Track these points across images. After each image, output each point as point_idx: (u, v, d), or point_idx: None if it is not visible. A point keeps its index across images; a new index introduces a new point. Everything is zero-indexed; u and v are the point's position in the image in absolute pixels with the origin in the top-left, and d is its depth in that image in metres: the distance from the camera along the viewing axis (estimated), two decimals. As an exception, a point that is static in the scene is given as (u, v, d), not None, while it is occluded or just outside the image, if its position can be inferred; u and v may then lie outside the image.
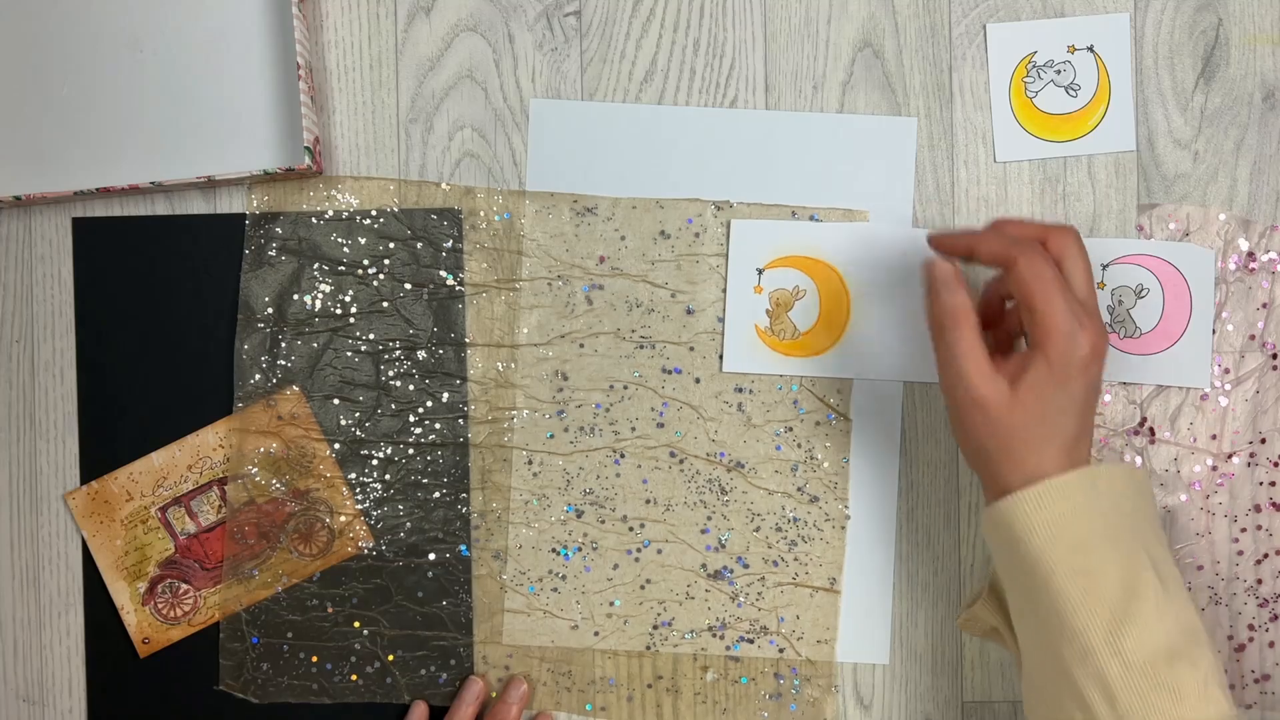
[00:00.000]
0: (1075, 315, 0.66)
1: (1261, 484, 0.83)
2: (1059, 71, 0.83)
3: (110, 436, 0.85)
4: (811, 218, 0.84)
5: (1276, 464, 0.83)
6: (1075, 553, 0.64)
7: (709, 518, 0.84)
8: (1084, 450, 0.69)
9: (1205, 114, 0.83)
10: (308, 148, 0.80)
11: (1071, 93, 0.83)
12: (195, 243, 0.85)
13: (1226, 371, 0.83)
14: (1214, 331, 0.82)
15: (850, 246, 0.83)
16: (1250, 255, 0.82)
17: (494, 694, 0.84)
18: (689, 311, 0.84)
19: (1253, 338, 0.82)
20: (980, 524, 0.83)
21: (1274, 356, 0.82)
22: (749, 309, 0.83)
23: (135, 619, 0.84)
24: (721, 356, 0.83)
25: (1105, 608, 0.63)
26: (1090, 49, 0.83)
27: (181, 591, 0.84)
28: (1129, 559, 0.64)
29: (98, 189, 0.81)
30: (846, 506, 0.84)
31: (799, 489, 0.84)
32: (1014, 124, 0.83)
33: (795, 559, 0.84)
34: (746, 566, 0.84)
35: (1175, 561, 0.67)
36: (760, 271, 0.83)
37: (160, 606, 0.84)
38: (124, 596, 0.84)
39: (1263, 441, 0.83)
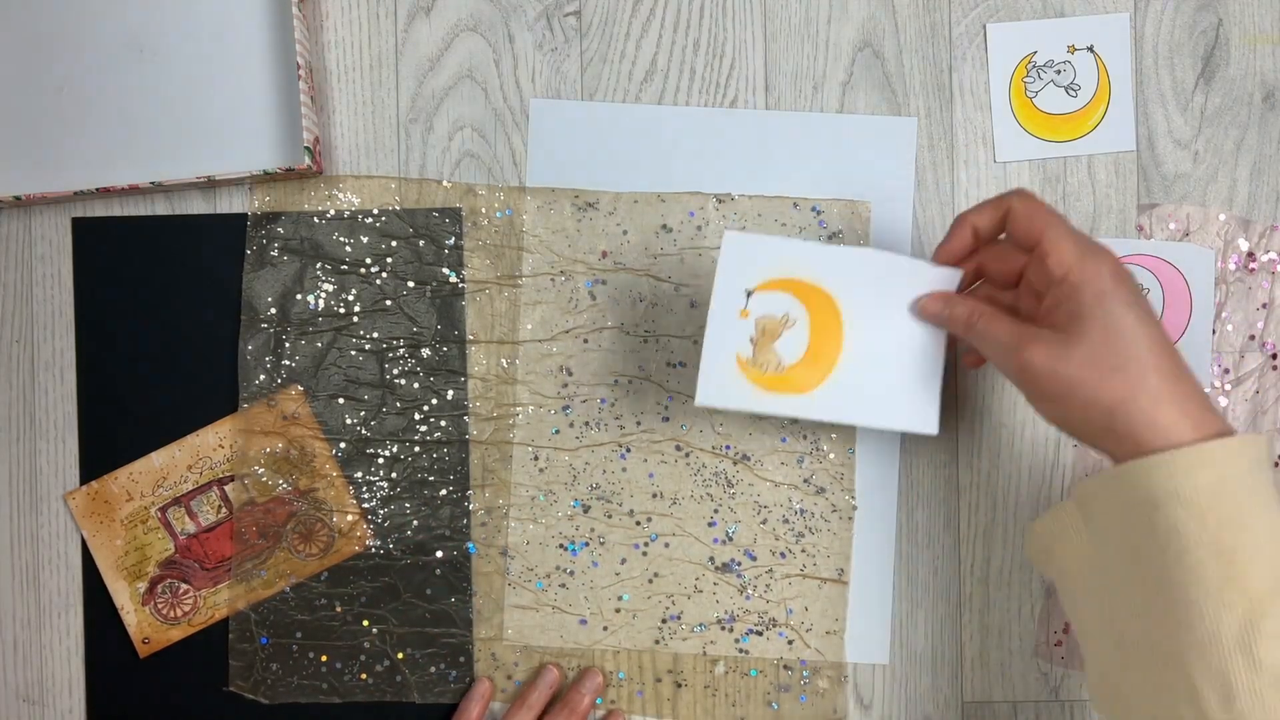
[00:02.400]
0: (1082, 241, 0.64)
1: (1261, 483, 0.83)
2: (1059, 71, 0.83)
3: (110, 436, 0.84)
4: (813, 209, 0.84)
5: (1277, 464, 0.83)
6: (1224, 529, 0.58)
7: (716, 511, 0.84)
8: (1199, 398, 0.61)
9: (1205, 114, 0.83)
10: (308, 148, 0.80)
11: (1071, 93, 0.83)
12: (195, 243, 0.84)
13: (1226, 371, 0.83)
14: (1214, 331, 0.83)
15: (850, 274, 0.74)
16: (1250, 255, 0.83)
17: (496, 686, 0.84)
18: (692, 305, 0.84)
19: (1253, 338, 0.83)
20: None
21: (1274, 356, 0.83)
22: (732, 336, 0.73)
23: (135, 619, 0.84)
24: (697, 387, 0.73)
25: (1245, 598, 0.56)
26: (1090, 49, 0.83)
27: (181, 591, 0.84)
28: None
29: (98, 189, 0.81)
30: (853, 497, 0.84)
31: (805, 480, 0.84)
32: (1014, 124, 0.84)
33: (803, 550, 0.84)
34: (754, 559, 0.84)
35: None
36: (749, 294, 0.73)
37: (160, 606, 0.84)
38: (124, 596, 0.84)
39: (1262, 441, 0.83)
